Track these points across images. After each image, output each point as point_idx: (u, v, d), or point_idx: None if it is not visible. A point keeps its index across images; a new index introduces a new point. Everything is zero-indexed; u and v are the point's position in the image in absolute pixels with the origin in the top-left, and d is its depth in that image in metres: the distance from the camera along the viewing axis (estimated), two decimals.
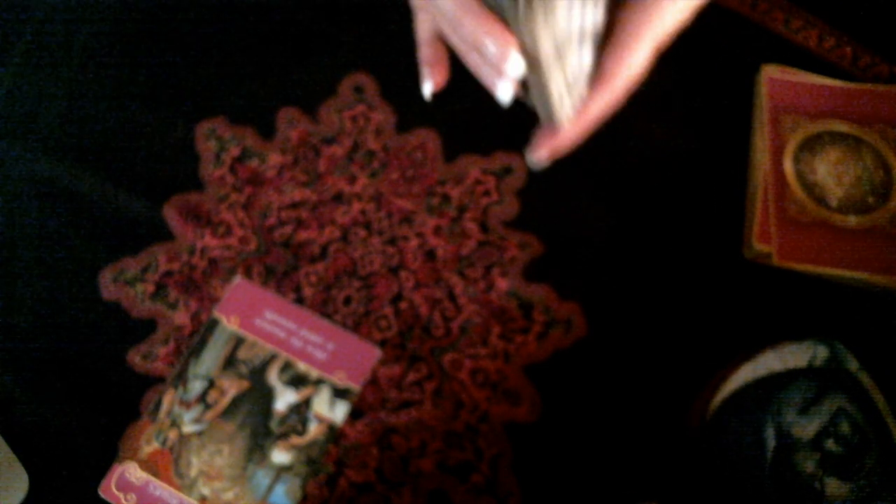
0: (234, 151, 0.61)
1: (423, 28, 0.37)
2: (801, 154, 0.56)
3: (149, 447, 0.52)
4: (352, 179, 0.59)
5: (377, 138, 0.61)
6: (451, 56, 0.36)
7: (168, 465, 0.51)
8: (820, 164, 0.56)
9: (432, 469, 0.51)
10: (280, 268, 0.57)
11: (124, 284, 0.57)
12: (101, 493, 0.51)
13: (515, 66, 0.29)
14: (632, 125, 0.55)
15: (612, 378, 0.52)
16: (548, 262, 0.56)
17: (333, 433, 0.51)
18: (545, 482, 0.50)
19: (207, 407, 0.52)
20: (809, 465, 0.46)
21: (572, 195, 0.58)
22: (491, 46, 0.29)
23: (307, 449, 0.51)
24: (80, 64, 0.65)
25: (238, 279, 0.56)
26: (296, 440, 0.51)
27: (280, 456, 0.51)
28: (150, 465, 0.51)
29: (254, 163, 0.60)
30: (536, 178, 0.58)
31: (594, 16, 0.30)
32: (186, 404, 0.52)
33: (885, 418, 0.47)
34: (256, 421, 0.52)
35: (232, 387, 0.53)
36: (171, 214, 0.59)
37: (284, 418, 0.52)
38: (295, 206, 0.59)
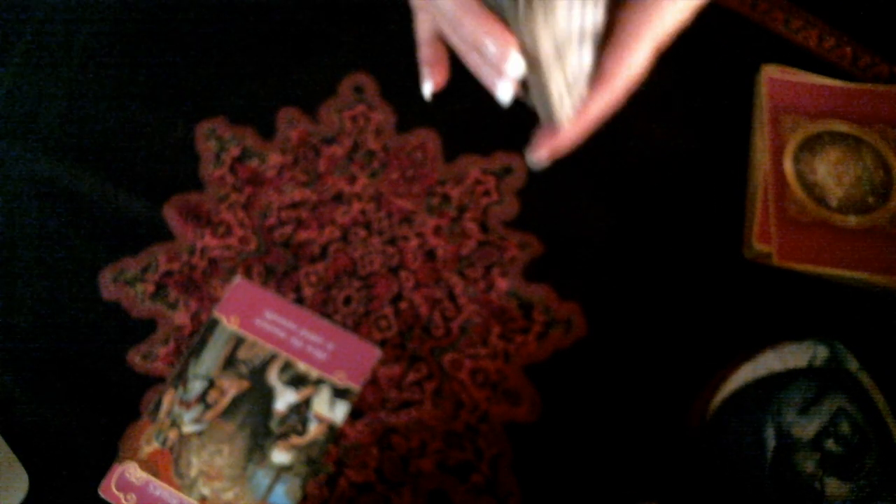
0: (234, 151, 0.61)
1: (423, 28, 0.37)
2: (801, 154, 0.56)
3: (149, 447, 0.52)
4: (352, 179, 0.59)
5: (377, 138, 0.61)
6: (451, 56, 0.36)
7: (168, 465, 0.51)
8: (820, 164, 0.56)
9: (432, 469, 0.51)
10: (280, 268, 0.57)
11: (124, 284, 0.57)
12: (101, 493, 0.51)
13: (515, 66, 0.29)
14: (632, 125, 0.55)
15: (611, 378, 0.52)
16: (548, 262, 0.56)
17: (333, 433, 0.51)
18: (545, 482, 0.50)
19: (207, 407, 0.52)
20: (809, 465, 0.46)
21: (572, 195, 0.58)
22: (491, 46, 0.29)
23: (307, 449, 0.51)
24: (80, 64, 0.65)
25: (238, 279, 0.56)
26: (296, 440, 0.51)
27: (280, 456, 0.51)
28: (150, 465, 0.51)
29: (254, 163, 0.60)
30: (536, 178, 0.58)
31: (594, 16, 0.30)
32: (186, 404, 0.52)
33: (885, 418, 0.47)
34: (256, 421, 0.52)
35: (232, 387, 0.53)
36: (171, 214, 0.59)
37: (284, 418, 0.52)
38: (295, 206, 0.59)
